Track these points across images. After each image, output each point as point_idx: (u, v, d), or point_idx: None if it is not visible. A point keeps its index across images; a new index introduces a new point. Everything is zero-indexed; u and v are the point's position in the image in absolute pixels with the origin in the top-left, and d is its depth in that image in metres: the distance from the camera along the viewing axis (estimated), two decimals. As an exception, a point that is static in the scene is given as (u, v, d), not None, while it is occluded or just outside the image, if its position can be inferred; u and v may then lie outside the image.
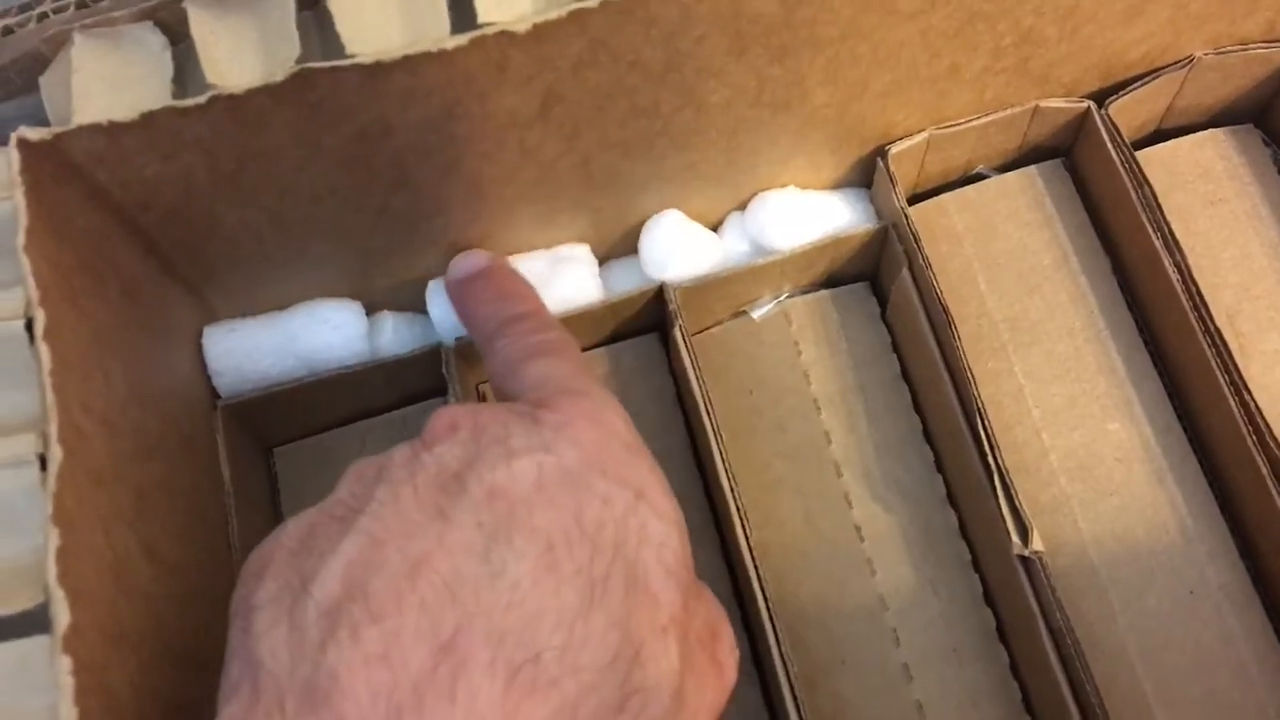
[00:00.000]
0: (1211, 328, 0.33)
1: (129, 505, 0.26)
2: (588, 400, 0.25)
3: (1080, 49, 0.34)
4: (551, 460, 0.23)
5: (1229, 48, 0.36)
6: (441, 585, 0.20)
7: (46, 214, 0.25)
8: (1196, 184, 0.39)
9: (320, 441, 0.38)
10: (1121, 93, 0.36)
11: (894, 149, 0.36)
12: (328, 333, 0.35)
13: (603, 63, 0.28)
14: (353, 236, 0.33)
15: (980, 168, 0.39)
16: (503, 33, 0.26)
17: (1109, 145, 0.36)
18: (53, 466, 0.22)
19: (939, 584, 0.35)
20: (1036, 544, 0.31)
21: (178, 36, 0.28)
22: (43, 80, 0.28)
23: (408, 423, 0.38)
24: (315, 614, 0.20)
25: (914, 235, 0.35)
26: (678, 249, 0.36)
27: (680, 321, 0.35)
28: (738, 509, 0.32)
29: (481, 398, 0.38)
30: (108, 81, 0.28)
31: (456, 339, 0.36)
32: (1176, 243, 0.34)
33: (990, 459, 0.32)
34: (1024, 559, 0.31)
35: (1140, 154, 0.39)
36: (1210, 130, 0.39)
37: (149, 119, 0.25)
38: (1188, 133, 0.40)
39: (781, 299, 0.39)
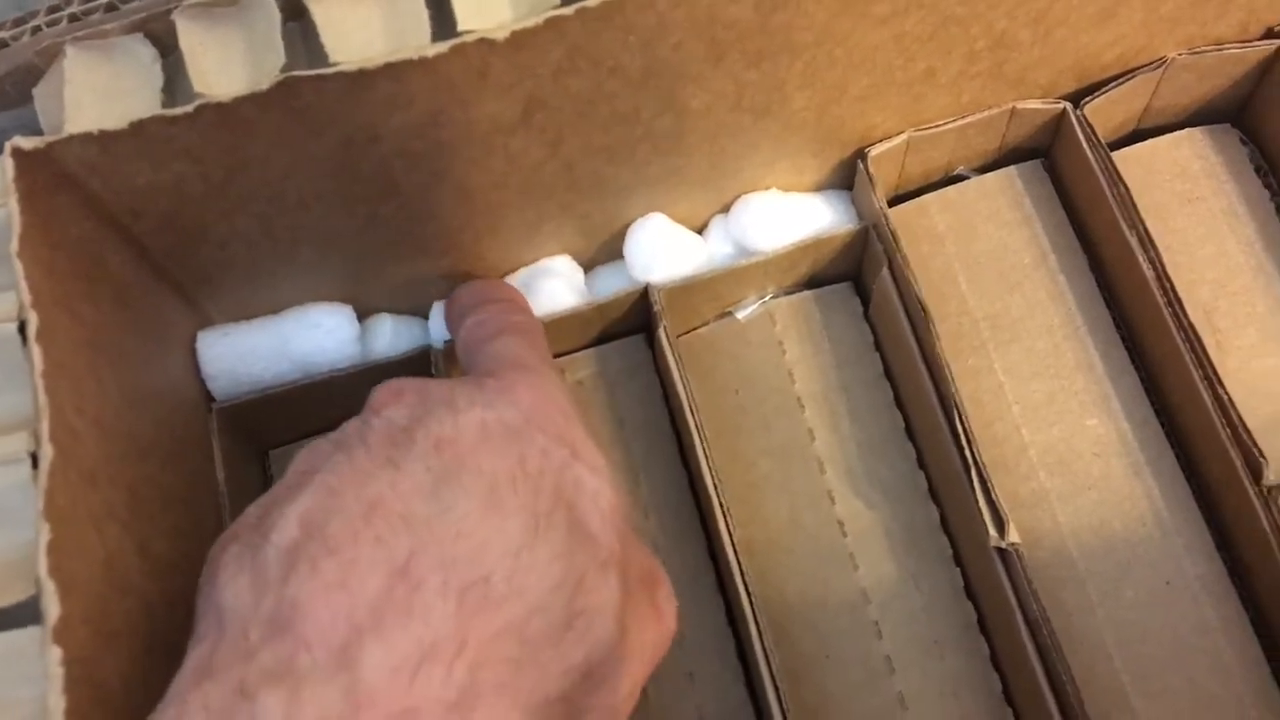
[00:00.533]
0: (1186, 323, 0.34)
1: (122, 504, 0.26)
2: (533, 373, 0.27)
3: (1054, 51, 0.35)
4: (494, 415, 0.24)
5: (1203, 48, 0.37)
6: (395, 519, 0.22)
7: (40, 221, 0.26)
8: (1174, 182, 0.39)
9: (314, 443, 0.39)
10: (1096, 94, 0.37)
11: (873, 151, 0.37)
12: (320, 336, 0.36)
13: (582, 69, 0.29)
14: (342, 242, 0.33)
15: (960, 169, 0.40)
16: (482, 40, 0.27)
17: (1085, 145, 0.36)
18: (44, 464, 0.23)
19: (920, 578, 0.35)
20: (1013, 536, 0.31)
21: (167, 48, 0.29)
22: (36, 91, 0.29)
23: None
24: (275, 556, 0.22)
25: (893, 235, 0.35)
26: (662, 251, 0.37)
27: (665, 322, 0.36)
28: (721, 506, 0.33)
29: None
30: (99, 92, 0.28)
31: (446, 341, 0.36)
32: (1151, 240, 0.35)
33: (967, 453, 0.32)
34: (1001, 551, 0.32)
35: (1119, 153, 0.39)
36: (1187, 130, 0.40)
37: (139, 128, 0.26)
38: (1166, 132, 0.40)
39: (765, 299, 0.39)
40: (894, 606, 0.35)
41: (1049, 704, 0.30)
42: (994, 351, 0.37)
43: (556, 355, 0.39)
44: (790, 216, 0.37)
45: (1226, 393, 0.33)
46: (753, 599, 0.32)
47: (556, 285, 0.37)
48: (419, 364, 0.36)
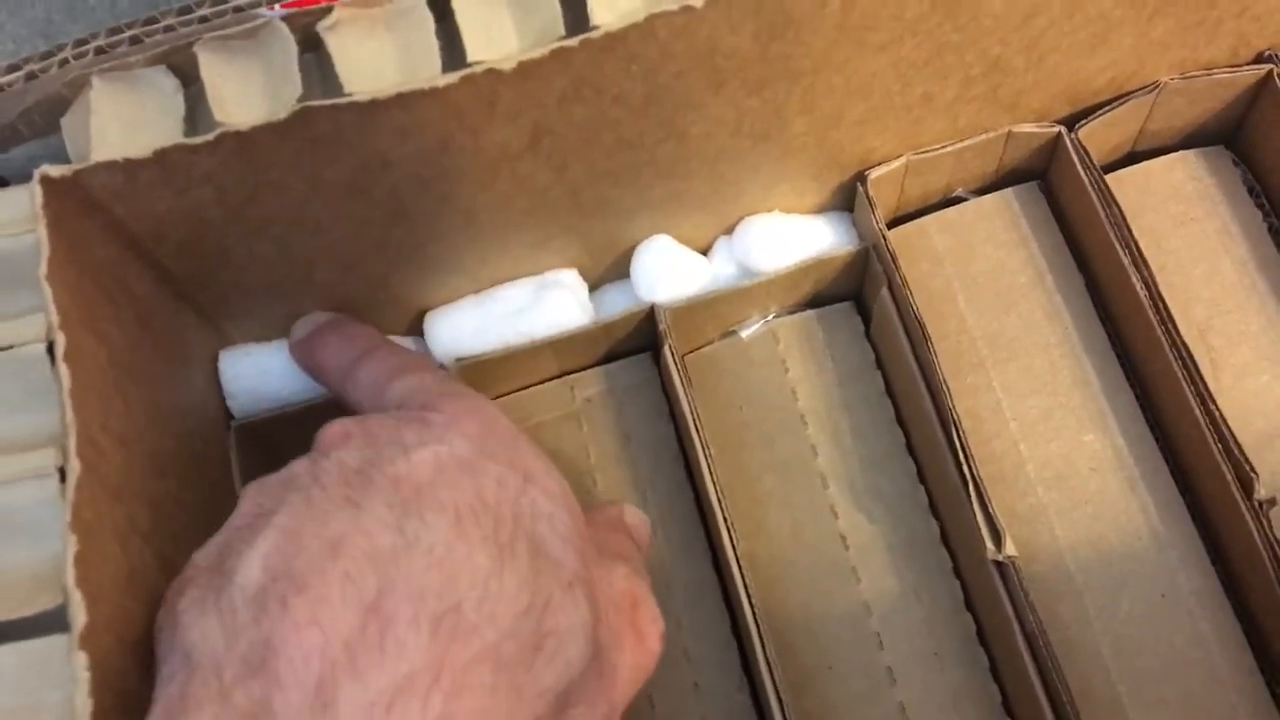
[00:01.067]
0: (1179, 341, 0.34)
1: (145, 519, 0.27)
2: (467, 399, 0.27)
3: (1047, 76, 0.36)
4: (445, 450, 0.25)
5: (1194, 73, 0.38)
6: (361, 556, 0.22)
7: (67, 245, 0.27)
8: (1168, 204, 0.40)
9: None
10: (1091, 118, 0.38)
11: (873, 174, 0.38)
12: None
13: (587, 98, 0.30)
14: (355, 264, 0.34)
15: (959, 190, 0.41)
16: (490, 70, 0.28)
17: (1079, 168, 0.37)
18: (71, 478, 0.24)
19: (921, 590, 0.36)
20: (1010, 549, 0.32)
21: (189, 79, 0.30)
22: (64, 121, 0.30)
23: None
24: (242, 599, 0.22)
25: (893, 256, 0.36)
26: (667, 272, 0.38)
27: (670, 341, 0.37)
28: (726, 520, 0.34)
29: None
30: (124, 121, 0.30)
31: (458, 359, 0.37)
32: (1144, 260, 0.35)
33: (965, 469, 0.33)
34: (999, 564, 0.32)
35: (1113, 176, 0.40)
36: (1181, 152, 0.41)
37: (162, 155, 0.27)
38: (1161, 154, 0.41)
39: (769, 319, 0.40)
40: (895, 619, 0.36)
41: (1046, 715, 0.31)
42: (992, 369, 0.38)
43: (564, 373, 0.40)
44: (792, 238, 0.38)
45: (1219, 409, 0.33)
46: (756, 611, 0.32)
47: (563, 297, 0.37)
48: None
